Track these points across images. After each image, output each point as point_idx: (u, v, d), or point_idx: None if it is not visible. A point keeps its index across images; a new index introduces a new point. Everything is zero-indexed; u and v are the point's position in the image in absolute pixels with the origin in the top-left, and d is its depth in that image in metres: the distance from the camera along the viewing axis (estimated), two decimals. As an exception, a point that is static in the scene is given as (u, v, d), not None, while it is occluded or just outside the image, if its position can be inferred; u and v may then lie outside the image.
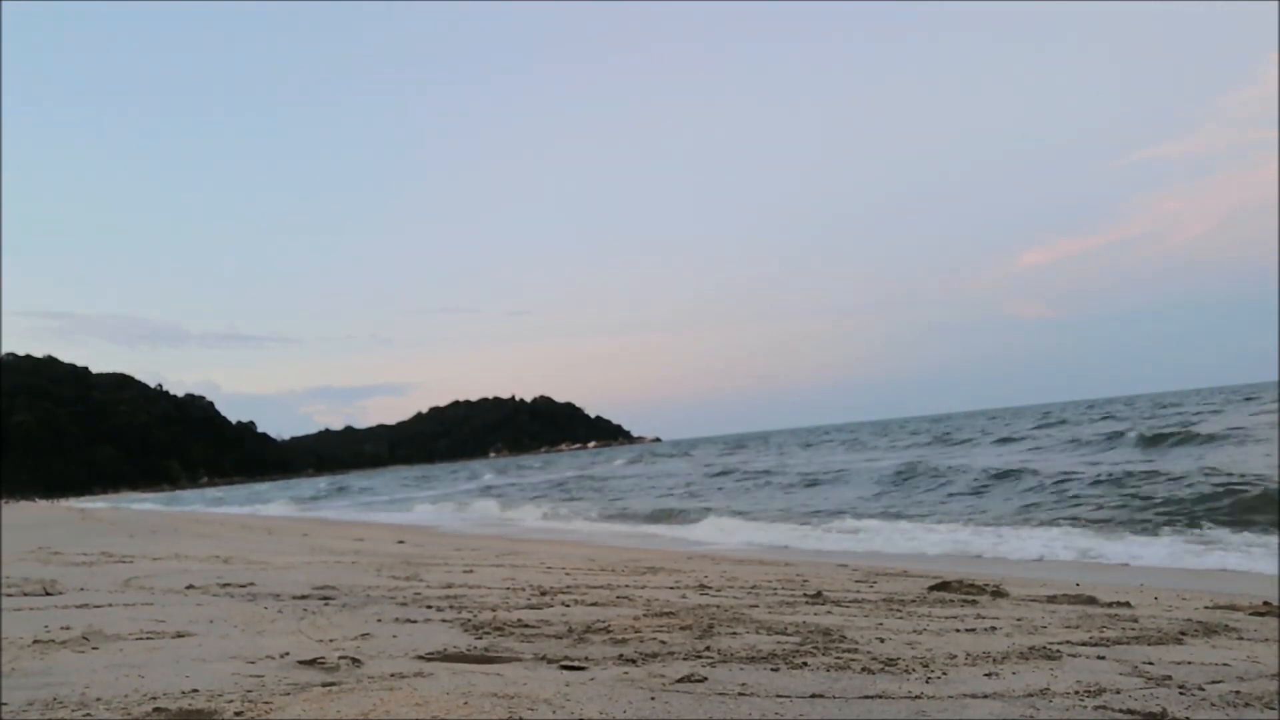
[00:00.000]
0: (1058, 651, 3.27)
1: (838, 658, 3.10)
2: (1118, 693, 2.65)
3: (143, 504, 53.72)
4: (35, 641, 3.21)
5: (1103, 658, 3.20)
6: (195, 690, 2.50)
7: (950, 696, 2.59)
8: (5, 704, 2.35)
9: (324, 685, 2.58)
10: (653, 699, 2.51)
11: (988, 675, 2.86)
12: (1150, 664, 3.08)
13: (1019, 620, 4.07)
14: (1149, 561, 7.91)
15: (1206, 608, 4.66)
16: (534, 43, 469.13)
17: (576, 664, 2.97)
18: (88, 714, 2.28)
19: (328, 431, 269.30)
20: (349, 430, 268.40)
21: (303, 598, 4.69)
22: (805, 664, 2.99)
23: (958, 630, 3.77)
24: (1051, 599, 4.91)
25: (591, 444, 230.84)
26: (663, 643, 3.36)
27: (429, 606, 4.36)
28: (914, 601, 4.79)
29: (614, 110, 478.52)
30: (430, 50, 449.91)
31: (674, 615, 4.08)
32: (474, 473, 61.67)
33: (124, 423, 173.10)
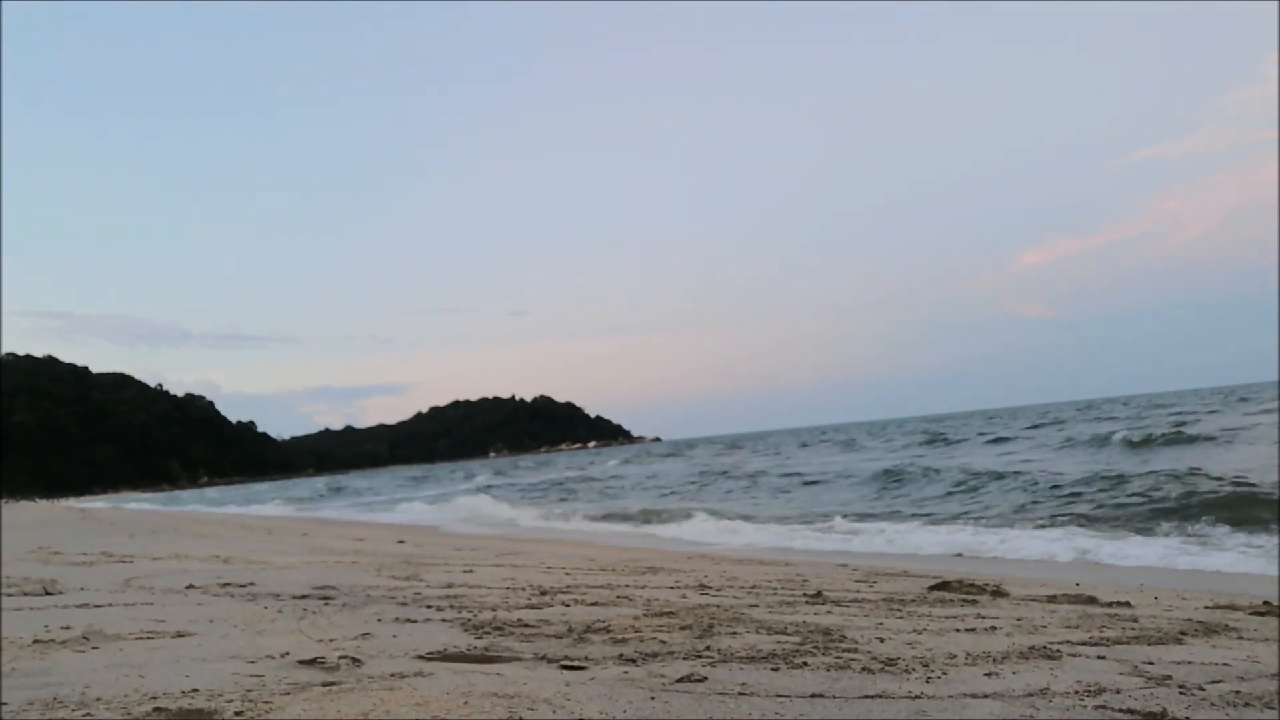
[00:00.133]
0: (1058, 651, 3.27)
1: (838, 658, 3.10)
2: (1118, 693, 2.65)
3: (140, 504, 53.73)
4: (35, 641, 3.21)
5: (1103, 657, 3.20)
6: (195, 690, 2.50)
7: (950, 696, 2.59)
8: (5, 704, 2.35)
9: (324, 685, 2.58)
10: (653, 699, 2.51)
11: (988, 675, 2.86)
12: (1150, 664, 3.08)
13: (1019, 620, 4.07)
14: (1140, 561, 7.92)
15: (1206, 608, 4.66)
16: (534, 43, 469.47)
17: (576, 664, 2.97)
18: (88, 714, 2.28)
19: (328, 431, 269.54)
20: (349, 430, 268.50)
21: (303, 598, 4.69)
22: (805, 664, 2.99)
23: (958, 630, 3.77)
24: (1051, 599, 4.91)
25: (592, 444, 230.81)
26: (663, 643, 3.36)
27: (429, 606, 4.36)
28: (914, 601, 4.79)
29: (614, 110, 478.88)
30: (430, 50, 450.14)
31: (674, 615, 4.08)
32: (471, 473, 61.69)
33: (124, 423, 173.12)
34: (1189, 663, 3.12)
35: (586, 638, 3.48)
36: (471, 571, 6.50)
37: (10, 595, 4.63)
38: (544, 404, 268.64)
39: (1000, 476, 16.32)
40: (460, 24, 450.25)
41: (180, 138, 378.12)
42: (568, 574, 6.30)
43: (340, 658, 2.93)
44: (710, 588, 5.40)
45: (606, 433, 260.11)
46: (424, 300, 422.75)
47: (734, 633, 3.60)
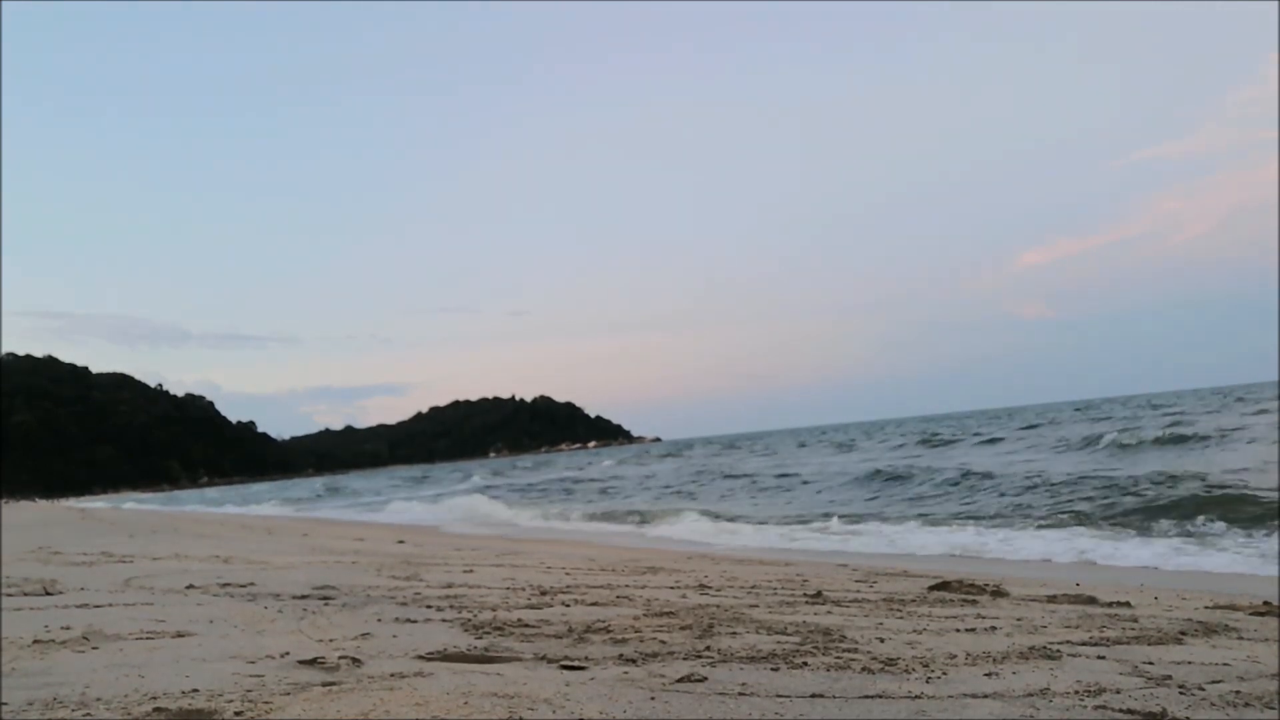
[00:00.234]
0: (1058, 651, 3.27)
1: (838, 658, 3.10)
2: (1118, 693, 2.65)
3: (138, 504, 53.77)
4: (35, 641, 3.21)
5: (1103, 658, 3.20)
6: (195, 690, 2.50)
7: (950, 696, 2.59)
8: (5, 704, 2.35)
9: (324, 685, 2.58)
10: (653, 699, 2.51)
11: (988, 675, 2.86)
12: (1150, 664, 3.08)
13: (1019, 620, 4.07)
14: (1137, 561, 7.95)
15: (1206, 608, 4.66)
16: (534, 43, 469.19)
17: (576, 664, 2.97)
18: (88, 714, 2.28)
19: (328, 431, 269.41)
20: (349, 430, 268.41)
21: (303, 598, 4.69)
22: (805, 664, 2.99)
23: (958, 630, 3.77)
24: (1051, 599, 4.91)
25: (591, 444, 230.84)
26: (663, 643, 3.36)
27: (429, 606, 4.36)
28: (914, 601, 4.79)
29: (614, 110, 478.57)
30: (430, 50, 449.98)
31: (674, 615, 4.08)
32: (469, 473, 61.70)
33: (124, 423, 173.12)
34: (1189, 663, 3.12)
35: (586, 638, 3.48)
36: (471, 571, 6.50)
37: (10, 595, 4.63)
38: (544, 404, 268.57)
39: (990, 476, 16.50)
40: (460, 24, 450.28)
41: (180, 138, 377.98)
42: (568, 574, 6.30)
43: (340, 658, 2.93)
44: (710, 588, 5.40)
45: (606, 433, 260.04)
46: (424, 300, 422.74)
47: (734, 633, 3.60)
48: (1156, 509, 10.84)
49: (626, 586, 5.43)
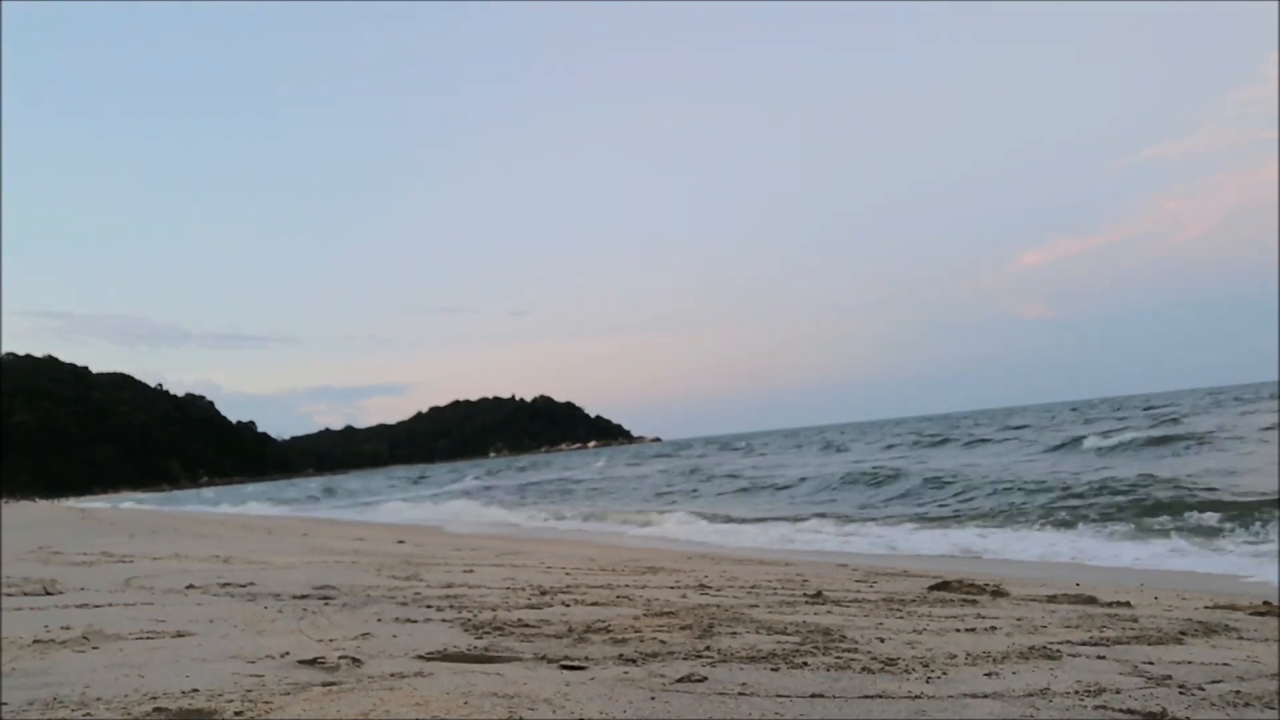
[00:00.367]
0: (1058, 651, 3.27)
1: (838, 658, 3.10)
2: (1118, 693, 2.65)
3: (135, 504, 53.85)
4: (35, 641, 3.21)
5: (1103, 658, 3.20)
6: (195, 690, 2.50)
7: (950, 696, 2.59)
8: (5, 704, 2.35)
9: (324, 685, 2.58)
10: (653, 699, 2.51)
11: (988, 675, 2.86)
12: (1150, 664, 3.08)
13: (1019, 620, 4.07)
14: (1118, 562, 8.08)
15: (1206, 608, 4.66)
16: (534, 43, 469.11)
17: (576, 664, 2.97)
18: (88, 714, 2.28)
19: (328, 431, 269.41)
20: (349, 430, 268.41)
21: (303, 598, 4.69)
22: (805, 664, 2.99)
23: (958, 630, 3.77)
24: (1051, 599, 4.91)
25: (592, 444, 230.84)
26: (663, 643, 3.36)
27: (429, 606, 4.36)
28: (914, 601, 4.79)
29: (614, 110, 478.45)
30: (430, 50, 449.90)
31: (674, 615, 4.08)
32: (464, 474, 61.75)
33: (124, 423, 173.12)
34: (1189, 663, 3.12)
35: (586, 638, 3.48)
36: (471, 571, 6.50)
37: (10, 595, 4.63)
38: (544, 404, 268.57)
39: (956, 479, 16.87)
40: (460, 24, 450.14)
41: (180, 138, 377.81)
42: (568, 574, 6.30)
43: (340, 658, 2.93)
44: (710, 588, 5.40)
45: (606, 433, 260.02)
46: (424, 300, 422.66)
47: (734, 633, 3.60)
48: (1104, 509, 11.11)
49: (626, 586, 5.43)
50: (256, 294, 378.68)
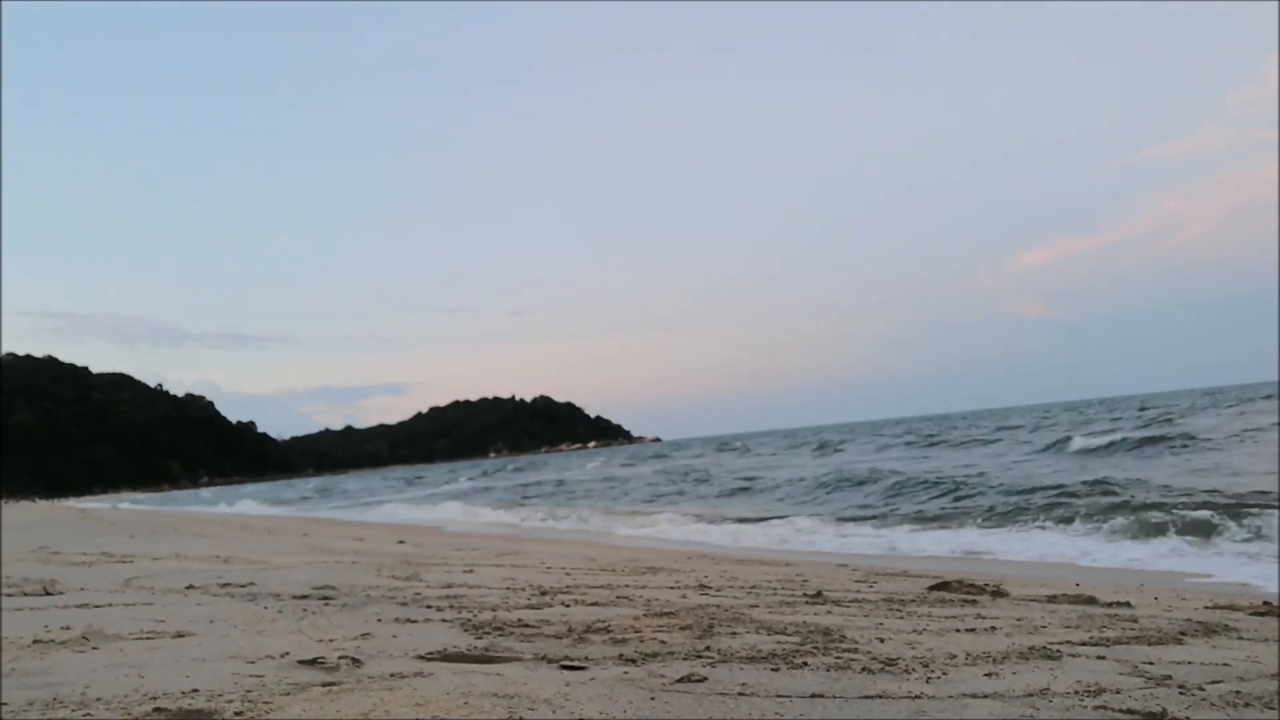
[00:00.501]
0: (1058, 651, 3.27)
1: (838, 658, 3.10)
2: (1118, 693, 2.65)
3: (133, 504, 53.92)
4: (35, 641, 3.21)
5: (1103, 658, 3.20)
6: (195, 690, 2.50)
7: (950, 696, 2.59)
8: (5, 704, 2.35)
9: (324, 685, 2.58)
10: (653, 699, 2.51)
11: (988, 675, 2.86)
12: (1150, 664, 3.08)
13: (1019, 620, 4.07)
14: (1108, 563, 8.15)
15: (1206, 608, 4.66)
16: (534, 43, 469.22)
17: (576, 664, 2.97)
18: (88, 714, 2.28)
19: (328, 431, 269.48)
20: (349, 430, 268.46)
21: (303, 598, 4.69)
22: (805, 664, 2.99)
23: (958, 630, 3.77)
24: (1051, 599, 4.91)
25: (592, 444, 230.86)
26: (663, 643, 3.36)
27: (429, 606, 4.36)
28: (914, 601, 4.79)
29: (614, 110, 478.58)
30: (430, 50, 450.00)
31: (674, 615, 4.08)
32: (459, 476, 61.79)
33: (124, 423, 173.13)
34: (1189, 663, 3.12)
35: (586, 638, 3.48)
36: (471, 571, 6.50)
37: (10, 595, 4.63)
38: (544, 404, 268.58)
39: (922, 481, 17.12)
40: (460, 24, 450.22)
41: (180, 138, 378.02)
42: (568, 574, 6.30)
43: (340, 658, 2.93)
44: (710, 588, 5.40)
45: (606, 433, 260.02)
46: (424, 300, 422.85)
47: (734, 633, 3.60)
48: (1087, 510, 11.26)
49: (626, 586, 5.43)
50: (256, 294, 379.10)
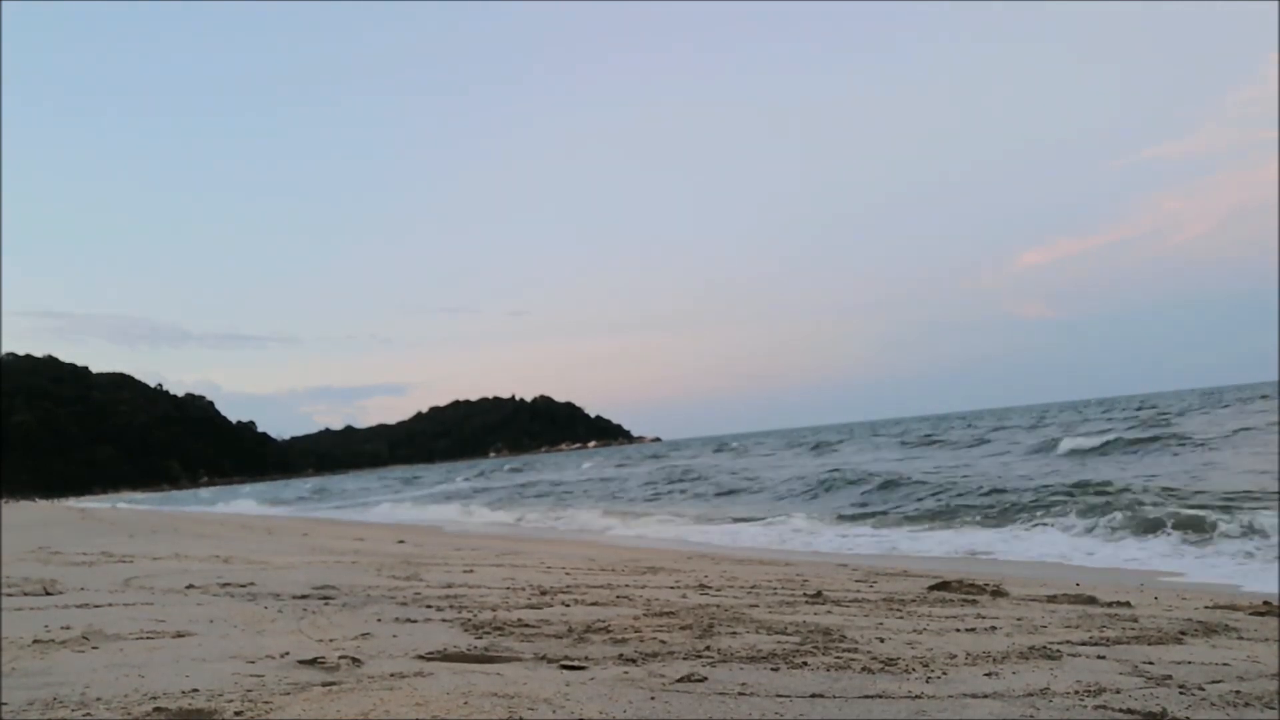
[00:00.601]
0: (1058, 651, 3.27)
1: (838, 658, 3.10)
2: (1118, 693, 2.65)
3: (126, 504, 53.96)
4: (35, 641, 3.21)
5: (1103, 658, 3.20)
6: (195, 690, 2.50)
7: (950, 696, 2.59)
8: (5, 704, 2.35)
9: (324, 685, 2.58)
10: (653, 699, 2.51)
11: (988, 675, 2.86)
12: (1150, 664, 3.08)
13: (1019, 620, 4.07)
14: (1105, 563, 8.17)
15: (1206, 608, 4.66)
16: (534, 43, 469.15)
17: (576, 664, 2.97)
18: (88, 714, 2.28)
19: (328, 431, 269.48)
20: (349, 430, 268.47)
21: (303, 598, 4.69)
22: (805, 664, 2.99)
23: (958, 630, 3.77)
24: (1051, 599, 4.91)
25: (592, 443, 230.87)
26: (663, 643, 3.36)
27: (429, 606, 4.36)
28: (914, 601, 4.79)
29: (614, 110, 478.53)
30: (430, 51, 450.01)
31: (674, 615, 4.08)
32: (456, 476, 61.82)
33: (124, 423, 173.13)
34: (1189, 663, 3.12)
35: (586, 638, 3.48)
36: (471, 571, 6.50)
37: (10, 595, 4.63)
38: (544, 404, 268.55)
39: (909, 483, 17.37)
40: (460, 24, 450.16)
41: (180, 138, 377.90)
42: (568, 574, 6.30)
43: (340, 658, 2.93)
44: (710, 588, 5.40)
45: (606, 433, 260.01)
46: (424, 300, 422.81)
47: (734, 633, 3.60)
48: (1062, 510, 11.52)
49: (626, 586, 5.43)
50: (256, 294, 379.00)
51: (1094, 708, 2.49)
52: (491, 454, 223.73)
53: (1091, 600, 4.84)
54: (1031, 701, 2.55)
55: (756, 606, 4.49)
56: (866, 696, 2.58)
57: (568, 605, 4.46)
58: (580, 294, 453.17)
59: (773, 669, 2.91)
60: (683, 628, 3.71)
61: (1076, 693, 2.65)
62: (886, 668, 2.95)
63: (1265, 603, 4.60)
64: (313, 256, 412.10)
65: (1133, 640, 3.56)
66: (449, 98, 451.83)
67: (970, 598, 4.98)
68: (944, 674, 2.87)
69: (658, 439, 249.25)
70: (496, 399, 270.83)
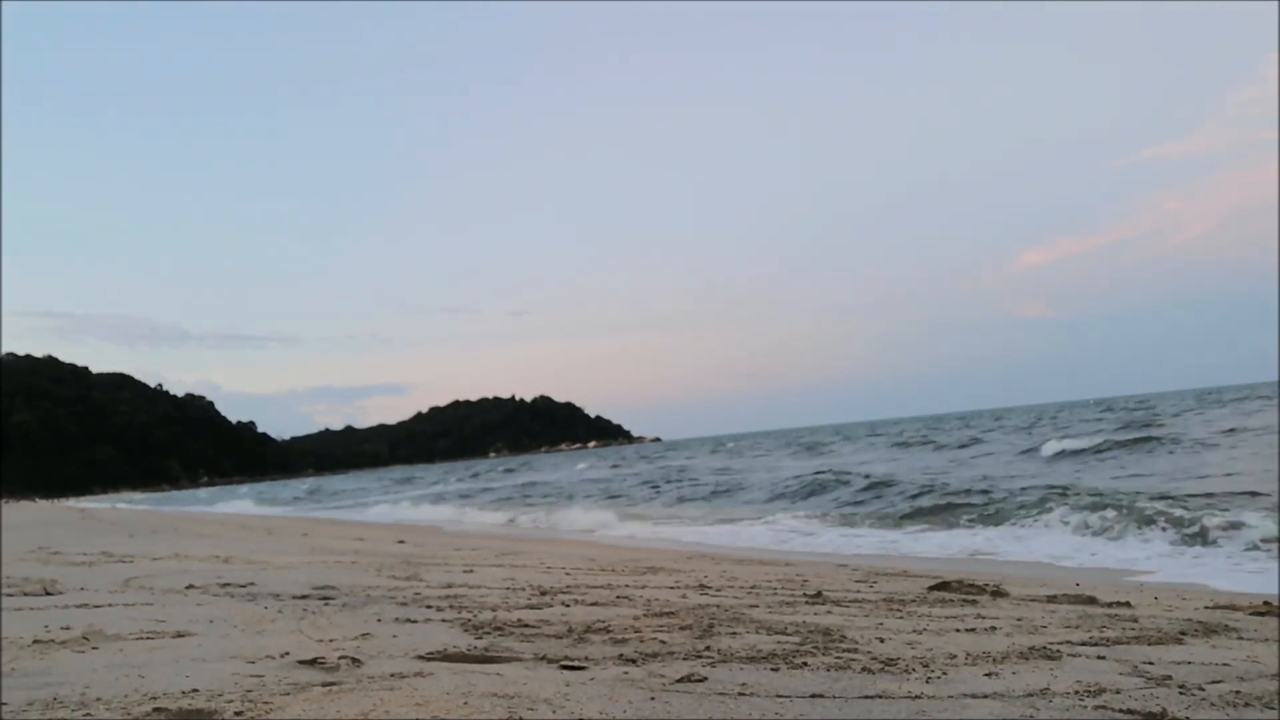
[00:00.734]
0: (1058, 651, 3.27)
1: (838, 658, 3.10)
2: (1118, 693, 2.65)
3: (125, 504, 54.00)
4: (35, 641, 3.21)
5: (1103, 658, 3.20)
6: (195, 690, 2.50)
7: (950, 696, 2.59)
8: (5, 704, 2.35)
9: (324, 685, 2.58)
10: (653, 699, 2.51)
11: (988, 675, 2.86)
12: (1150, 664, 3.08)
13: (1019, 620, 4.07)
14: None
15: (1206, 608, 4.66)
16: (534, 43, 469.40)
17: (576, 664, 2.97)
18: (88, 714, 2.28)
19: (328, 431, 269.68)
20: (349, 430, 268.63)
21: (303, 598, 4.68)
22: (805, 664, 2.99)
23: (958, 630, 3.77)
24: (1051, 599, 4.91)
25: (592, 444, 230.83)
26: (663, 643, 3.36)
27: (429, 606, 4.36)
28: (914, 601, 4.79)
29: (614, 110, 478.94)
30: (430, 51, 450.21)
31: (674, 615, 4.08)
32: (450, 477, 61.85)
33: (124, 423, 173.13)
34: (1189, 663, 3.12)
35: (586, 638, 3.47)
36: (471, 571, 6.49)
37: (10, 595, 4.63)
38: (544, 404, 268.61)
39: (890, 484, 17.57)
40: (460, 24, 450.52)
41: (180, 138, 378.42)
42: (568, 574, 6.30)
43: (340, 658, 2.93)
44: (710, 588, 5.40)
45: (606, 433, 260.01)
46: (424, 300, 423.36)
47: (734, 633, 3.60)
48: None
49: (626, 586, 5.43)
50: (256, 294, 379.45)
51: (1094, 708, 2.49)
52: (491, 454, 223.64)
53: (1091, 600, 4.84)
54: (1031, 702, 2.55)
55: (756, 606, 4.48)
56: (866, 696, 2.58)
57: (568, 605, 4.46)
58: (580, 294, 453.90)
59: (773, 669, 2.91)
60: (683, 628, 3.71)
61: (1076, 693, 2.65)
62: (886, 668, 2.95)
63: (1265, 603, 4.60)
64: (313, 256, 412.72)
65: (1133, 640, 3.56)
66: (449, 98, 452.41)
67: (970, 598, 4.98)
68: (944, 674, 2.87)
69: (658, 439, 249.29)
70: (496, 399, 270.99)
